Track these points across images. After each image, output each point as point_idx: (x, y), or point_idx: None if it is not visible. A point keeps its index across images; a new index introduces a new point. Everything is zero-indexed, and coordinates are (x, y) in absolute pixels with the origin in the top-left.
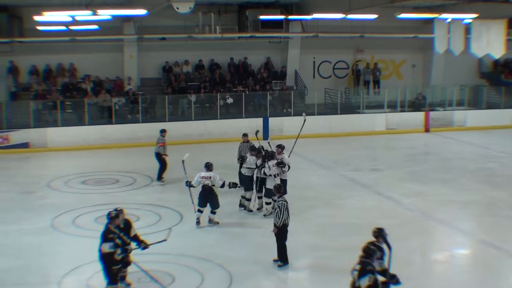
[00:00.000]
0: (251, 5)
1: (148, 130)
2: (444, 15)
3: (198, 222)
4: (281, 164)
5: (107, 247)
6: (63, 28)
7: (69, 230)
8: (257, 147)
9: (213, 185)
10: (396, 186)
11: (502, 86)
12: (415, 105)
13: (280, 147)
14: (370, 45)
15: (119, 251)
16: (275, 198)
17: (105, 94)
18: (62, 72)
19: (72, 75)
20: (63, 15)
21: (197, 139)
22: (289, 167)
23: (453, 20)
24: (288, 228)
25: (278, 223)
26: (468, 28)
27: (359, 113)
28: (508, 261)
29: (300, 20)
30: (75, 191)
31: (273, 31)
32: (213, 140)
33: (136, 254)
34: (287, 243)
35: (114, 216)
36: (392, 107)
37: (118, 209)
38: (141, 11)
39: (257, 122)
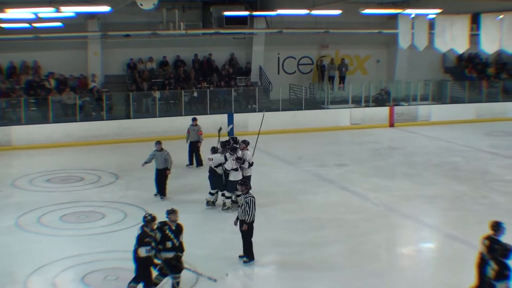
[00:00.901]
0: (215, 1)
1: (113, 127)
2: (408, 11)
3: (207, 203)
4: (239, 159)
5: (143, 251)
6: (27, 25)
7: (34, 228)
8: (217, 146)
9: (216, 167)
10: (361, 181)
11: (466, 81)
12: (379, 101)
13: (245, 143)
14: (334, 40)
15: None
16: (238, 193)
17: (69, 92)
18: (26, 69)
19: (36, 72)
20: (26, 12)
21: (163, 135)
22: (250, 164)
23: (417, 15)
24: (254, 224)
25: (248, 220)
26: (432, 23)
27: (324, 108)
28: (473, 255)
29: (265, 16)
30: (40, 189)
31: (238, 27)
32: (178, 137)
33: (101, 252)
34: (252, 239)
35: (150, 220)
36: (357, 102)
37: (153, 215)
38: (105, 8)
39: (222, 118)
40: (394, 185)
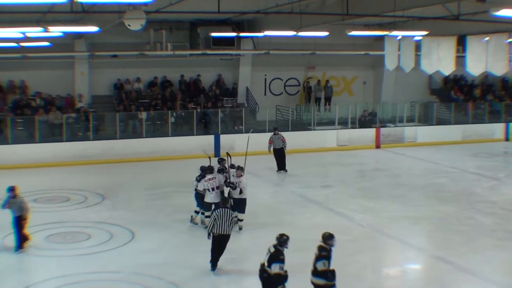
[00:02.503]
0: (203, 22)
1: (100, 147)
2: (394, 32)
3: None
4: (231, 184)
5: (277, 268)
6: (14, 44)
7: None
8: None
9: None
10: (347, 202)
11: (452, 103)
12: (362, 123)
13: (240, 169)
14: (321, 62)
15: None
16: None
17: (56, 112)
18: (13, 89)
19: (23, 92)
20: (14, 32)
21: (148, 156)
22: (241, 191)
23: (404, 37)
24: (243, 246)
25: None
26: (418, 45)
27: (310, 129)
28: (459, 275)
29: (252, 37)
30: None
31: (225, 49)
32: (164, 158)
33: (87, 273)
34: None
35: (286, 239)
36: (343, 124)
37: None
38: (93, 28)
39: (208, 140)
40: (380, 206)
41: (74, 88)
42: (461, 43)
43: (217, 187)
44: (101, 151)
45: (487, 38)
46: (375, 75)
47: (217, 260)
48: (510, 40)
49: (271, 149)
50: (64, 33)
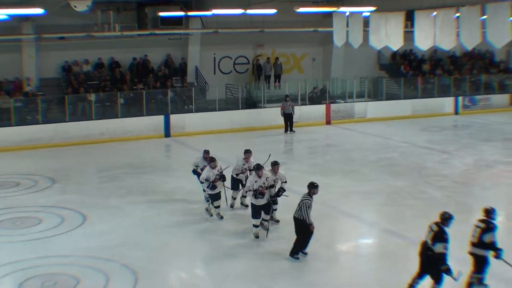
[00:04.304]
0: (150, 2)
1: (49, 131)
2: (342, 9)
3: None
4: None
5: (441, 247)
6: None
7: None
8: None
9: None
10: (299, 179)
11: (401, 78)
12: (312, 99)
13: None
14: (270, 39)
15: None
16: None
17: (4, 96)
18: None
19: None
20: None
21: (99, 138)
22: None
23: (352, 13)
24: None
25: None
26: (366, 21)
27: (260, 107)
28: (411, 249)
29: (200, 16)
30: None
31: (173, 28)
32: (115, 139)
33: (38, 258)
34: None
35: (449, 218)
36: (294, 100)
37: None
38: (39, 10)
39: (159, 120)
40: (332, 182)
41: (22, 71)
42: (410, 18)
43: None
44: (51, 135)
45: (435, 13)
46: (324, 51)
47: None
48: (458, 14)
49: (282, 113)
50: (10, 15)
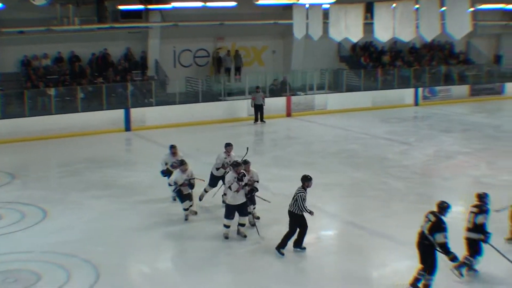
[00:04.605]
0: None
1: (8, 126)
2: (302, 1)
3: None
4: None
5: (442, 237)
6: None
7: None
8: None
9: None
10: (261, 171)
11: (361, 69)
12: (272, 92)
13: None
14: (231, 32)
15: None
16: None
17: None
18: None
19: None
20: None
21: (59, 133)
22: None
23: (312, 5)
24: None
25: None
26: (326, 13)
27: (221, 100)
28: (372, 240)
29: (160, 9)
30: None
31: (133, 21)
32: (75, 134)
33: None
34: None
35: (446, 207)
36: (254, 93)
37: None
38: None
39: (119, 114)
40: (293, 174)
41: None
42: (369, 10)
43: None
44: (10, 130)
45: (394, 5)
46: (284, 44)
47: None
48: (417, 6)
49: (253, 104)
50: None
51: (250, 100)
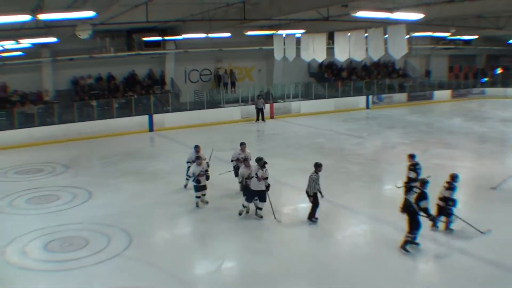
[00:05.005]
0: (136, 30)
1: (63, 129)
2: (280, 31)
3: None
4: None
5: (425, 204)
6: None
7: (7, 210)
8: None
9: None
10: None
11: (326, 82)
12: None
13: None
14: (227, 56)
15: None
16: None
17: (30, 104)
18: None
19: (4, 91)
20: None
21: (100, 134)
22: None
23: (288, 35)
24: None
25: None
26: (299, 40)
27: (220, 107)
28: (338, 210)
29: (174, 40)
30: (10, 180)
31: (154, 49)
32: (111, 134)
33: (58, 225)
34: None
35: (426, 182)
36: (245, 101)
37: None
38: (53, 39)
39: (144, 118)
40: (276, 162)
41: (42, 85)
42: (331, 37)
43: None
44: (64, 132)
45: (349, 34)
46: (268, 64)
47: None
48: (367, 34)
49: (255, 107)
50: (33, 44)
51: (235, 108)
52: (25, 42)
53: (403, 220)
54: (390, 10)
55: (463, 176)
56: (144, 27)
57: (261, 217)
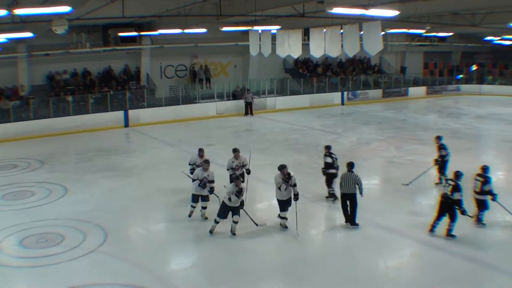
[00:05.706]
0: (112, 25)
1: (38, 125)
2: (256, 27)
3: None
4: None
5: (458, 195)
6: None
7: None
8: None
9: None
10: (226, 156)
11: (301, 78)
12: (234, 96)
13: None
14: (203, 51)
15: None
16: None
17: (5, 100)
18: None
19: None
20: None
21: (75, 129)
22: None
23: (263, 31)
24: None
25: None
26: (274, 36)
27: (196, 103)
28: (310, 203)
29: (150, 35)
30: None
31: (129, 44)
32: (87, 130)
33: (33, 221)
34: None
35: (460, 175)
36: (221, 97)
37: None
38: (29, 34)
39: (120, 114)
40: (251, 157)
41: (17, 80)
42: (306, 34)
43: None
44: (40, 128)
45: (325, 30)
46: (243, 60)
47: (347, 215)
48: (342, 31)
49: (244, 101)
50: (8, 39)
51: (213, 104)
52: (1, 37)
53: (374, 213)
54: (366, 6)
55: (435, 172)
56: (120, 22)
57: (286, 227)
